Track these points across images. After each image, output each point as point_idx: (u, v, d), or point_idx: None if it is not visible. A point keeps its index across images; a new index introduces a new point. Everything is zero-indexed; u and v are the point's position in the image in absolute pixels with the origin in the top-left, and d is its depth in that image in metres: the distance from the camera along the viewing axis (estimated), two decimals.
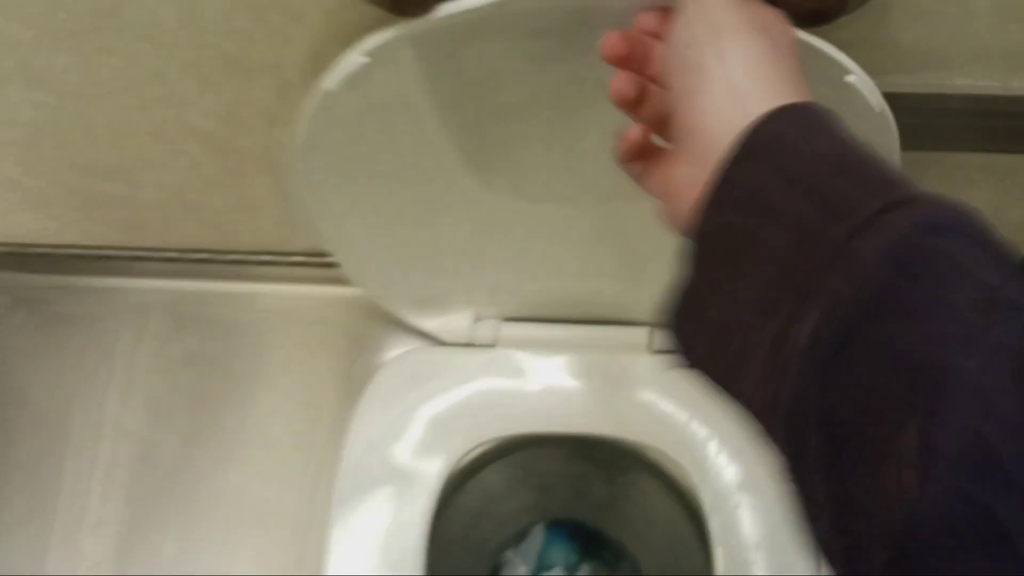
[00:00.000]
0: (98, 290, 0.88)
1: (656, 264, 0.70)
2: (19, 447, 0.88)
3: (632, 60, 0.42)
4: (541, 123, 0.58)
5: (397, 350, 0.85)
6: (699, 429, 0.77)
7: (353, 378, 0.87)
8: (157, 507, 0.86)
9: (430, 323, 0.80)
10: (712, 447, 0.77)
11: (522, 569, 0.93)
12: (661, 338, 0.79)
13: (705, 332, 0.37)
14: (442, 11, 0.46)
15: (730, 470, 0.77)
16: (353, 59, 0.49)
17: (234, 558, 0.85)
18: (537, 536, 0.94)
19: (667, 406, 0.78)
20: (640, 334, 0.79)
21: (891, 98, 0.50)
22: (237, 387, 0.88)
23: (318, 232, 0.66)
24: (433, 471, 0.75)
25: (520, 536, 0.94)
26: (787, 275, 0.33)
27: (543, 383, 0.78)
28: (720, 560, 0.74)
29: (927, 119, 0.59)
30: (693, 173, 0.37)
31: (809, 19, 0.43)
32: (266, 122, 0.63)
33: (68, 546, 0.85)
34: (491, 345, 0.79)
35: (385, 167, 0.62)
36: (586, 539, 0.96)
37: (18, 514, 0.86)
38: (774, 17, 0.40)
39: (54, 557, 0.84)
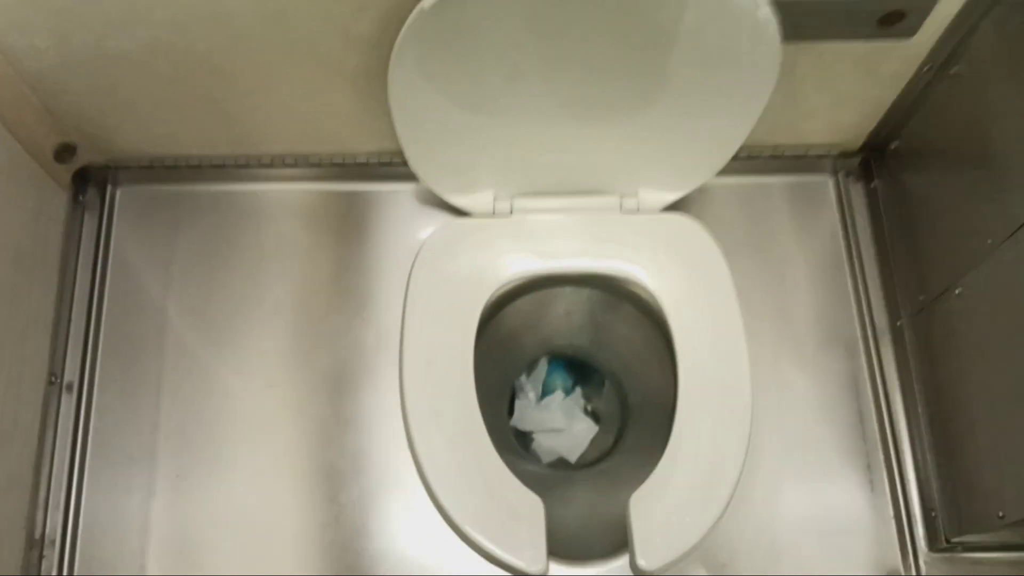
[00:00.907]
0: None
1: (622, 154, 1.03)
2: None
3: None
4: (563, 44, 0.89)
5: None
6: (663, 267, 1.10)
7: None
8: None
9: (463, 200, 1.11)
10: (674, 282, 1.09)
11: (531, 394, 1.25)
12: (628, 203, 1.11)
13: None
14: None
15: (686, 299, 1.09)
16: None
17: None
18: (542, 367, 1.26)
19: (638, 250, 1.10)
20: (613, 200, 1.11)
21: None
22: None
23: (398, 127, 0.96)
24: (476, 302, 1.06)
25: (531, 366, 1.26)
26: None
27: (547, 239, 1.10)
28: (683, 369, 1.06)
29: (795, 15, 0.91)
30: None
31: None
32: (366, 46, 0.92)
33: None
34: (508, 214, 1.11)
35: (453, 76, 0.92)
36: (579, 368, 1.28)
37: None
38: None
39: None
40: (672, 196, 1.11)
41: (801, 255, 1.15)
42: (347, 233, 1.17)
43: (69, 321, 1.10)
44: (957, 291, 0.96)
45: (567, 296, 1.18)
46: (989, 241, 0.89)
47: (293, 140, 1.10)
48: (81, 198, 1.13)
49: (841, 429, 1.09)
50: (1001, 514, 0.90)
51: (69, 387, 1.08)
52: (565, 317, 1.21)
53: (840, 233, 1.16)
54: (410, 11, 0.80)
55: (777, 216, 1.16)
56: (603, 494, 1.15)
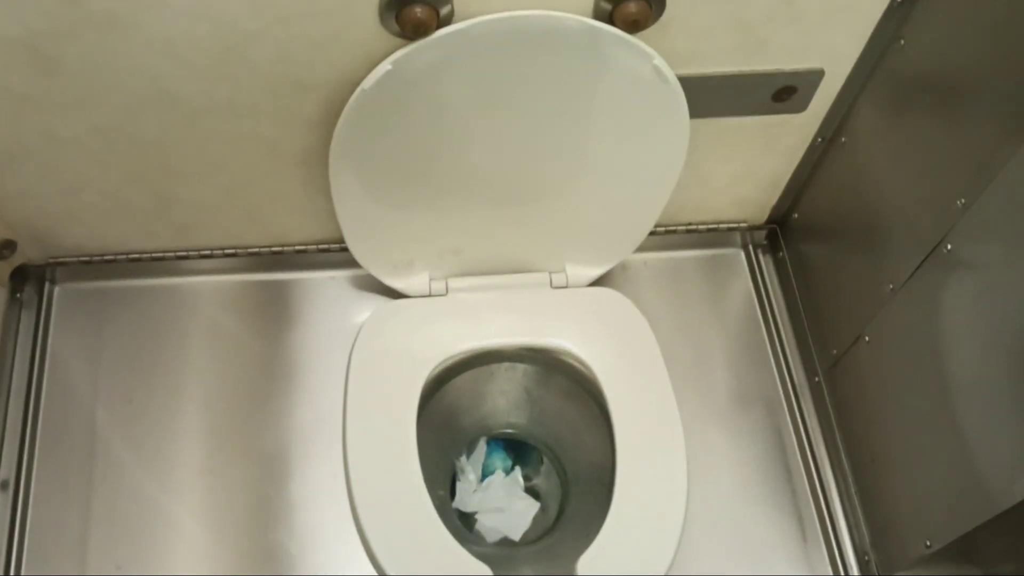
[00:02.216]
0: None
1: (549, 233, 1.09)
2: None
3: None
4: (491, 124, 0.96)
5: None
6: (592, 337, 1.15)
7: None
8: None
9: (400, 283, 1.15)
10: (603, 350, 1.15)
11: (471, 475, 1.27)
12: (557, 279, 1.17)
13: None
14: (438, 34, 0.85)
15: (617, 367, 1.14)
16: (382, 67, 0.86)
17: None
18: (481, 448, 1.28)
19: (568, 323, 1.15)
20: (543, 277, 1.17)
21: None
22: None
23: (338, 209, 1.01)
24: (415, 379, 1.09)
25: (470, 446, 1.28)
26: None
27: (482, 316, 1.14)
28: (619, 434, 1.10)
29: (699, 94, 1.01)
30: None
31: (629, 26, 0.84)
32: (309, 127, 0.98)
33: None
34: (443, 294, 1.15)
35: (393, 155, 0.98)
36: (517, 447, 1.31)
37: None
38: None
39: None
40: (597, 271, 1.18)
41: (720, 322, 1.22)
42: (284, 320, 1.19)
43: (5, 418, 1.09)
44: (866, 339, 1.04)
45: (503, 373, 1.22)
46: (890, 287, 0.98)
47: (236, 230, 1.13)
48: (19, 295, 1.14)
49: (770, 486, 1.14)
50: (928, 543, 0.95)
51: (4, 485, 1.06)
52: (501, 396, 1.25)
53: (755, 300, 1.23)
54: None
55: (695, 287, 1.24)
56: (550, 567, 1.16)
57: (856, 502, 1.09)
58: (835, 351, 1.12)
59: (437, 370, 1.12)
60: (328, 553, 1.10)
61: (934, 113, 0.91)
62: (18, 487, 1.06)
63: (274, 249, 1.18)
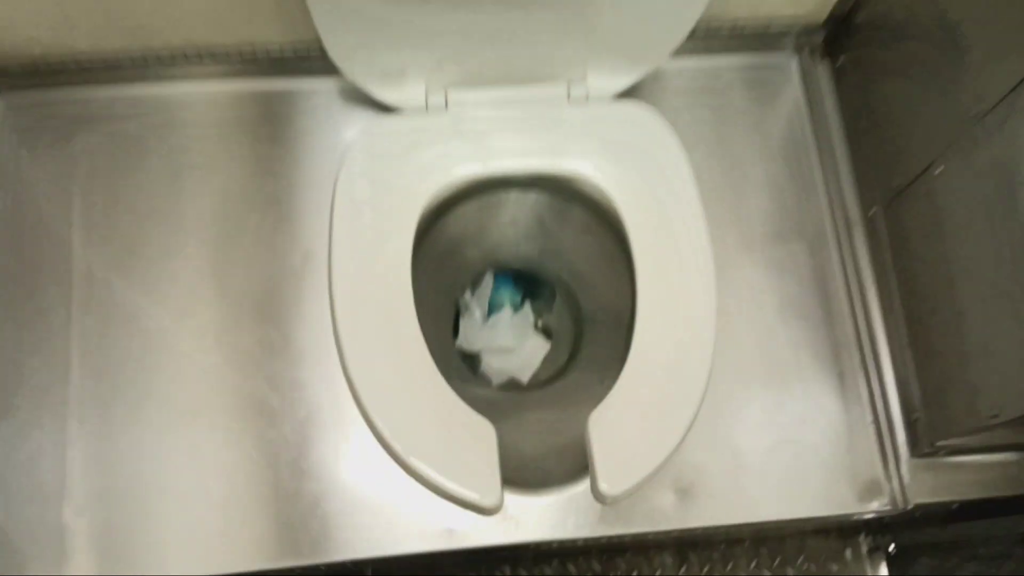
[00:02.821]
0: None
1: (568, 32, 0.92)
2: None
3: None
4: None
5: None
6: (615, 160, 0.99)
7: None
8: None
9: (392, 95, 0.99)
10: (627, 175, 0.99)
11: (477, 312, 1.15)
12: (576, 91, 1.01)
13: None
14: None
15: (641, 193, 0.99)
16: None
17: None
18: (488, 282, 1.16)
19: (588, 143, 0.99)
20: (560, 87, 0.99)
21: None
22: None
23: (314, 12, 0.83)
24: (410, 211, 0.95)
25: (476, 281, 1.15)
26: None
27: (488, 136, 0.98)
28: (641, 274, 0.96)
29: None
30: None
31: None
32: None
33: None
34: (443, 109, 0.99)
35: None
36: (528, 281, 1.18)
37: None
38: None
39: None
40: (624, 80, 1.00)
41: (764, 143, 1.05)
42: (264, 137, 1.03)
43: None
44: (937, 170, 0.88)
45: (512, 201, 1.07)
46: (974, 110, 0.80)
47: (197, 26, 0.96)
48: None
49: (810, 332, 1.01)
50: (995, 414, 0.82)
51: None
52: (511, 225, 1.11)
53: (806, 117, 1.06)
54: None
55: (737, 100, 1.06)
56: (559, 415, 1.06)
57: (908, 356, 0.96)
58: (897, 182, 0.95)
59: (436, 199, 0.98)
60: (315, 406, 1.00)
61: None
62: None
63: (246, 55, 1.00)
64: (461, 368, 1.12)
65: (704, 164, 1.03)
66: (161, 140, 1.02)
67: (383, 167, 0.96)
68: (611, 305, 1.08)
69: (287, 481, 0.96)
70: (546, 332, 1.17)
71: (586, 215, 1.04)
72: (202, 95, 1.03)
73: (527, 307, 1.17)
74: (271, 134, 1.04)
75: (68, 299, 0.98)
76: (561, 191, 1.03)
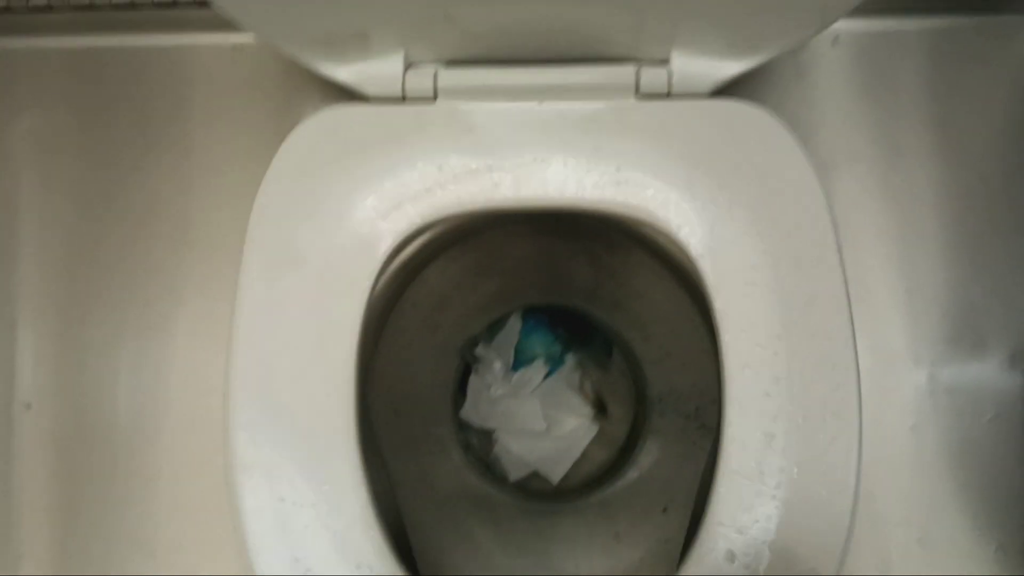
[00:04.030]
0: None
1: None
2: None
3: None
4: None
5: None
6: (703, 194, 0.60)
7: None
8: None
9: (346, 71, 0.61)
10: (720, 215, 0.60)
11: (497, 366, 0.79)
12: (651, 79, 0.61)
13: None
14: None
15: (741, 244, 0.60)
16: None
17: None
18: (513, 327, 0.79)
19: (662, 165, 0.60)
20: (625, 73, 0.59)
21: None
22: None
23: None
24: (366, 259, 0.59)
25: (493, 330, 0.79)
26: None
27: (499, 143, 0.60)
28: (730, 349, 0.59)
29: None
30: None
31: None
32: None
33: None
34: (430, 98, 0.61)
35: None
36: (570, 327, 0.81)
37: None
38: None
39: None
40: (734, 66, 0.59)
41: (963, 161, 0.63)
42: (152, 122, 0.69)
43: None
44: None
45: (540, 235, 0.69)
46: None
47: None
48: None
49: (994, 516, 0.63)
50: None
51: None
52: (545, 256, 0.74)
53: None
54: None
55: (921, 92, 0.63)
56: (601, 551, 0.72)
57: None
58: None
59: (413, 247, 0.62)
60: None
61: None
62: None
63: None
64: (461, 453, 0.78)
65: (860, 207, 0.62)
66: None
67: (327, 186, 0.60)
68: (690, 392, 0.72)
69: None
70: (598, 403, 0.81)
71: (657, 264, 0.67)
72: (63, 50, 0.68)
73: (569, 363, 0.81)
74: (164, 115, 0.68)
75: None
76: (622, 229, 0.65)
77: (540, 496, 0.78)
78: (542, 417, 0.78)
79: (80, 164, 0.71)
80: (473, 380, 0.79)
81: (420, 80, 0.60)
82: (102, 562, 0.71)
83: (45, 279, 0.72)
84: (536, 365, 0.80)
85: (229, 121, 0.71)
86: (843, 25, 0.65)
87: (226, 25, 0.62)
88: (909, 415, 0.64)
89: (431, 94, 0.60)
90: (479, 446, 0.79)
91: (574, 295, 0.77)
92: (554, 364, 0.81)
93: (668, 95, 0.59)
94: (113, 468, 0.71)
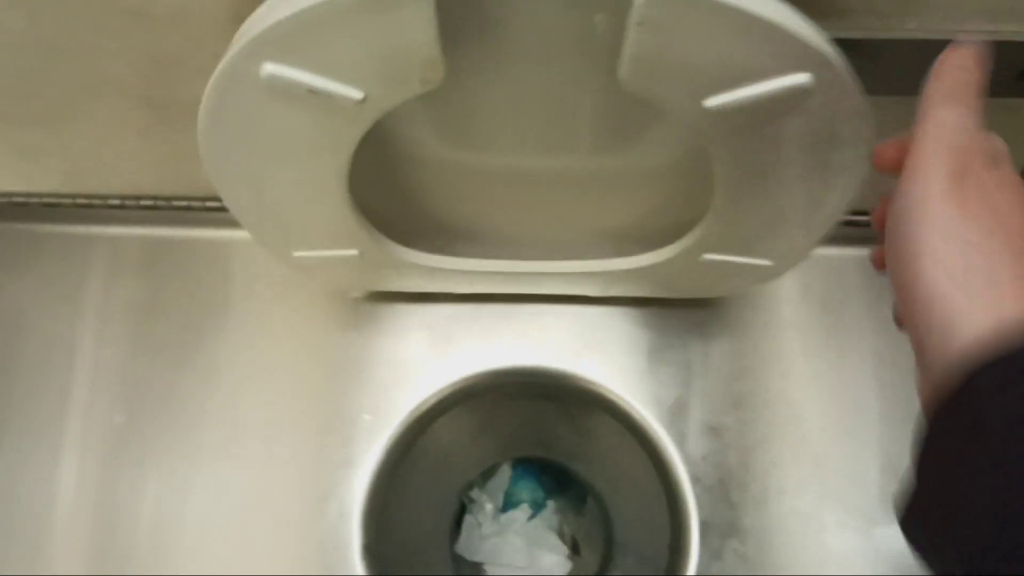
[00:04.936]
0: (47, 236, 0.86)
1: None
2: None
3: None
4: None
5: None
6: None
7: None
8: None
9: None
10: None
11: (488, 507, 0.94)
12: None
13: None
14: None
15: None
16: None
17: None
18: (504, 474, 0.95)
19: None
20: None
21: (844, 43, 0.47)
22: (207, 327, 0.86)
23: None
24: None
25: (486, 476, 0.95)
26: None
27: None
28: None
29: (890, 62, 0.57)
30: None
31: None
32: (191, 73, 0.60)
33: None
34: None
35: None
36: (552, 476, 0.96)
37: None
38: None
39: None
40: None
41: (878, 364, 0.79)
42: (208, 294, 0.84)
43: None
44: None
45: (532, 399, 0.86)
46: None
47: (130, 179, 0.78)
48: None
49: None
50: None
51: None
52: (532, 416, 0.89)
53: None
54: None
55: (850, 302, 0.80)
56: None
57: None
58: None
59: (420, 410, 0.78)
60: None
61: None
62: None
63: (175, 203, 0.81)
64: None
65: (806, 395, 0.78)
66: (91, 280, 0.84)
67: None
68: (649, 539, 0.86)
69: None
70: (573, 543, 0.96)
71: (620, 427, 0.82)
72: (135, 238, 0.84)
73: (549, 508, 0.96)
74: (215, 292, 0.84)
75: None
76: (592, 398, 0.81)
77: None
78: (525, 553, 0.92)
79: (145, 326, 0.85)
80: (467, 519, 0.94)
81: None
82: None
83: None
84: (522, 508, 0.94)
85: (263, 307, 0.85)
86: None
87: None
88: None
89: None
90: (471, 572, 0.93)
91: (556, 451, 0.92)
92: (537, 508, 0.95)
93: None
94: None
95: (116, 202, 0.80)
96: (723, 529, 0.75)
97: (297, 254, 0.67)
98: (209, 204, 0.81)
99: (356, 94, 0.47)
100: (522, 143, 0.63)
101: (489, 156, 0.64)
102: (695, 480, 0.76)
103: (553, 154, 0.64)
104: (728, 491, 0.76)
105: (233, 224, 0.63)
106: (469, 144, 0.63)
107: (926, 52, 0.46)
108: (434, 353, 0.79)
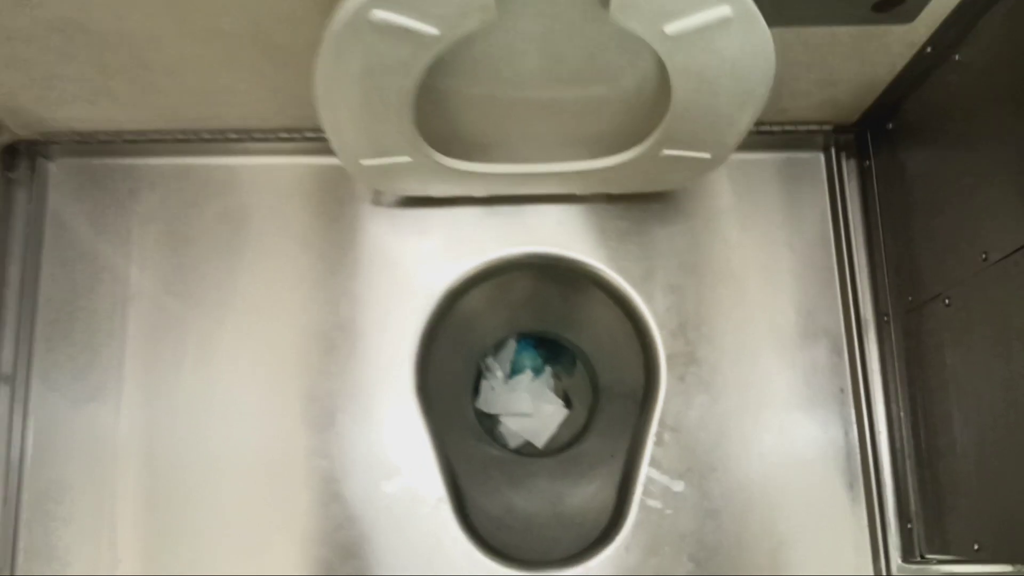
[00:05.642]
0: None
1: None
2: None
3: None
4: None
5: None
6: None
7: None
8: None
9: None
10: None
11: (499, 373, 1.19)
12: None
13: None
14: None
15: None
16: None
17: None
18: (510, 347, 1.20)
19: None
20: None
21: None
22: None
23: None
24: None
25: (498, 346, 1.20)
26: None
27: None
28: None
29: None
30: None
31: None
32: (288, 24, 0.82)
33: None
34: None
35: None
36: (548, 347, 1.22)
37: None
38: None
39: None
40: None
41: (788, 238, 1.05)
42: (305, 210, 1.07)
43: (3, 305, 1.04)
44: (946, 301, 0.88)
45: (535, 279, 1.11)
46: (983, 256, 0.81)
47: (235, 115, 1.01)
48: (11, 175, 1.05)
49: (821, 429, 1.03)
50: (976, 547, 0.84)
51: (7, 378, 1.03)
52: (533, 295, 1.15)
53: (829, 216, 1.06)
54: None
55: (764, 195, 1.06)
56: (570, 486, 1.11)
57: (908, 466, 0.97)
58: (910, 298, 0.96)
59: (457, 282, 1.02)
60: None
61: None
62: (15, 378, 1.02)
63: (282, 134, 1.04)
64: (479, 429, 1.17)
65: (733, 260, 1.04)
66: (211, 206, 1.07)
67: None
68: (627, 381, 1.11)
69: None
70: (565, 398, 1.21)
71: (607, 297, 1.07)
72: (249, 169, 1.07)
73: (547, 372, 1.21)
74: (312, 208, 1.07)
75: (124, 336, 1.05)
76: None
77: (530, 454, 1.17)
78: (530, 405, 1.17)
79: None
80: (483, 382, 1.19)
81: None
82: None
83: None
84: (525, 373, 1.20)
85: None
86: None
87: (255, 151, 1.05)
88: (768, 383, 1.04)
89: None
90: (489, 425, 1.18)
91: (552, 322, 1.18)
92: (537, 372, 1.21)
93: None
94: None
95: (213, 135, 1.03)
96: (684, 359, 1.02)
97: (364, 162, 0.91)
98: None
99: (433, 31, 0.71)
100: (529, 76, 0.87)
101: (502, 87, 0.88)
102: (661, 326, 1.02)
103: (550, 84, 0.88)
104: (686, 332, 1.02)
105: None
106: (489, 78, 0.87)
107: None
108: (456, 244, 1.04)
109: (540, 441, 1.17)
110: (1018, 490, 0.78)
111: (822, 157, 1.08)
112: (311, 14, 0.78)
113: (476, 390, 1.20)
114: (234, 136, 1.04)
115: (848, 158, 1.07)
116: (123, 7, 0.78)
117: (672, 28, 0.71)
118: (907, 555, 0.98)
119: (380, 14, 0.69)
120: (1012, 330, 0.77)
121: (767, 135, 1.04)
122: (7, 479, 1.00)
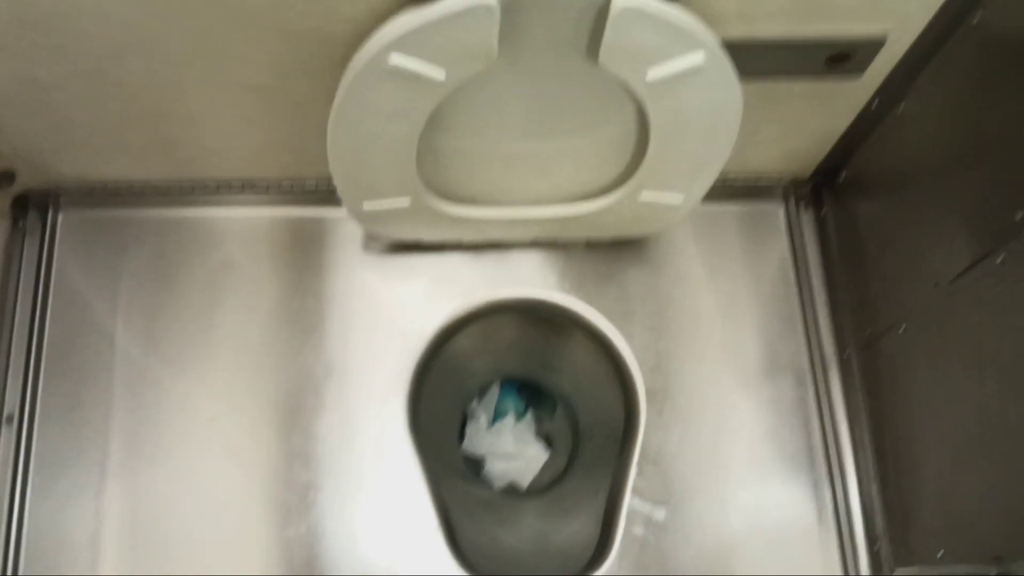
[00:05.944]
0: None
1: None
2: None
3: None
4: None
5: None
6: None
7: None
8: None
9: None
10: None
11: (483, 418, 1.24)
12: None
13: None
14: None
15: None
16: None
17: None
18: (494, 391, 1.26)
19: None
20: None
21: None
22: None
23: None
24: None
25: (482, 391, 1.25)
26: None
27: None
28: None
29: (744, 56, 0.90)
30: None
31: None
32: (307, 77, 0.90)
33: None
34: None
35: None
36: (530, 392, 1.28)
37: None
38: None
39: None
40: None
41: (752, 282, 1.14)
42: (295, 260, 1.14)
43: (9, 351, 1.08)
44: (902, 329, 0.97)
45: (519, 323, 1.17)
46: (934, 284, 0.89)
47: (243, 166, 1.08)
48: (21, 224, 1.10)
49: (790, 457, 1.09)
50: (939, 554, 0.91)
51: (9, 419, 1.06)
52: (517, 341, 1.21)
53: (790, 261, 1.15)
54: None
55: (729, 243, 1.16)
56: (555, 523, 1.15)
57: (874, 489, 1.04)
58: (869, 331, 1.04)
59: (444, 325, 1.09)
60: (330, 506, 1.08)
61: (1013, 97, 0.79)
62: (22, 419, 1.05)
63: (284, 187, 1.12)
64: (465, 470, 1.22)
65: (703, 302, 1.12)
66: (201, 257, 1.13)
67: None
68: (607, 421, 1.17)
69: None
70: (547, 440, 1.26)
71: (586, 338, 1.14)
72: (242, 220, 1.13)
73: (529, 416, 1.27)
74: (301, 257, 1.13)
75: (109, 389, 1.08)
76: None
77: (515, 495, 1.21)
78: (513, 448, 1.22)
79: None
80: (469, 426, 1.24)
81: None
82: None
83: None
84: (508, 417, 1.25)
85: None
86: None
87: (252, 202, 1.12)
88: (736, 420, 1.11)
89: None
90: (475, 466, 1.23)
91: (535, 366, 1.24)
92: (519, 415, 1.26)
93: None
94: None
95: (213, 185, 1.10)
96: (661, 394, 1.08)
97: (366, 205, 0.98)
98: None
99: (440, 76, 0.80)
100: (513, 128, 0.96)
101: (489, 140, 0.96)
102: (641, 362, 1.09)
103: (533, 136, 0.96)
104: (662, 368, 1.09)
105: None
106: (476, 132, 0.95)
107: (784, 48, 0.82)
108: (446, 288, 1.11)
109: (524, 481, 1.22)
110: (978, 499, 0.85)
111: (781, 209, 1.18)
112: (328, 65, 0.85)
113: (462, 434, 1.24)
114: (237, 185, 1.11)
115: (806, 208, 1.17)
116: (158, 56, 0.85)
117: (653, 74, 0.80)
118: (876, 572, 1.04)
119: (397, 58, 0.77)
120: (967, 346, 0.86)
121: (730, 187, 1.14)
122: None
